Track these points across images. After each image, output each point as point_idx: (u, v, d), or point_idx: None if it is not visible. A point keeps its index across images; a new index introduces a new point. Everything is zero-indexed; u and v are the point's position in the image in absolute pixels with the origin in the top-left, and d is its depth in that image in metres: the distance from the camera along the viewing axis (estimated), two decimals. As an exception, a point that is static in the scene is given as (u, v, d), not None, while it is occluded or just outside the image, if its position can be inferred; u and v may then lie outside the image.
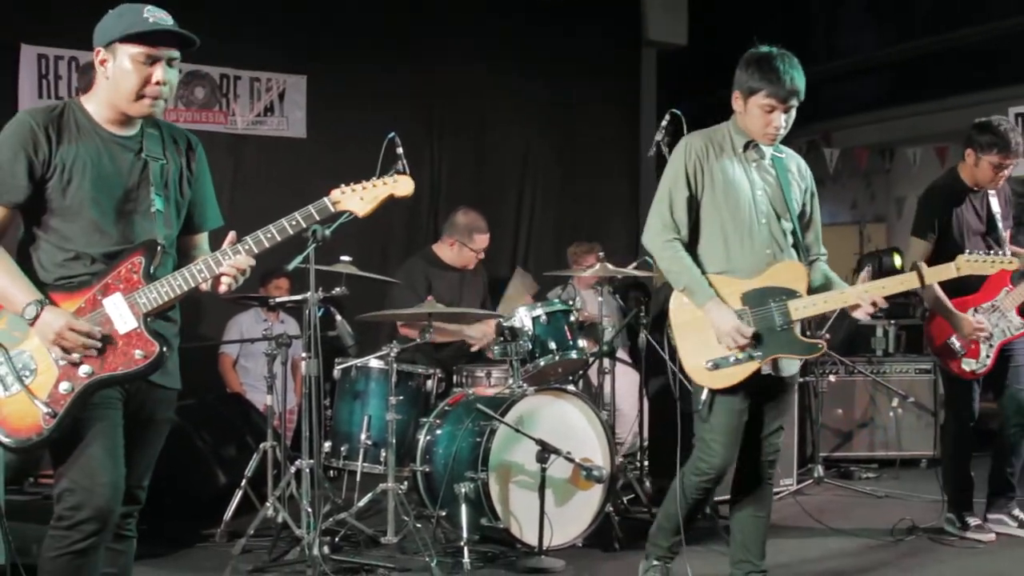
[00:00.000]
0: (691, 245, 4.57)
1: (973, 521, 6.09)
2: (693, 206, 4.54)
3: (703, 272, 4.50)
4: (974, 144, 5.89)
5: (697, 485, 4.67)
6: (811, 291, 4.52)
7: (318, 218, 3.64)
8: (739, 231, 4.51)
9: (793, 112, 4.48)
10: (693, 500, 4.73)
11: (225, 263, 3.49)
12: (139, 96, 3.48)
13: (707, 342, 4.42)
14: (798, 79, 4.42)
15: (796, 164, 4.74)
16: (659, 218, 4.56)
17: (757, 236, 4.52)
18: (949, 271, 4.73)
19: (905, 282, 4.59)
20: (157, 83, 3.48)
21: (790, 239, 4.61)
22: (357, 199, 3.69)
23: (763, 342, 4.41)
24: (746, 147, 4.59)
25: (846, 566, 5.65)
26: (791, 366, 4.64)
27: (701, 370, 4.45)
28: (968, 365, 5.92)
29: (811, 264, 4.65)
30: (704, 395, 4.49)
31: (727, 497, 6.70)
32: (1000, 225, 6.05)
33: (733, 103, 4.57)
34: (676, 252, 4.49)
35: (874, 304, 4.43)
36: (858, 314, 4.52)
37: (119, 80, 3.47)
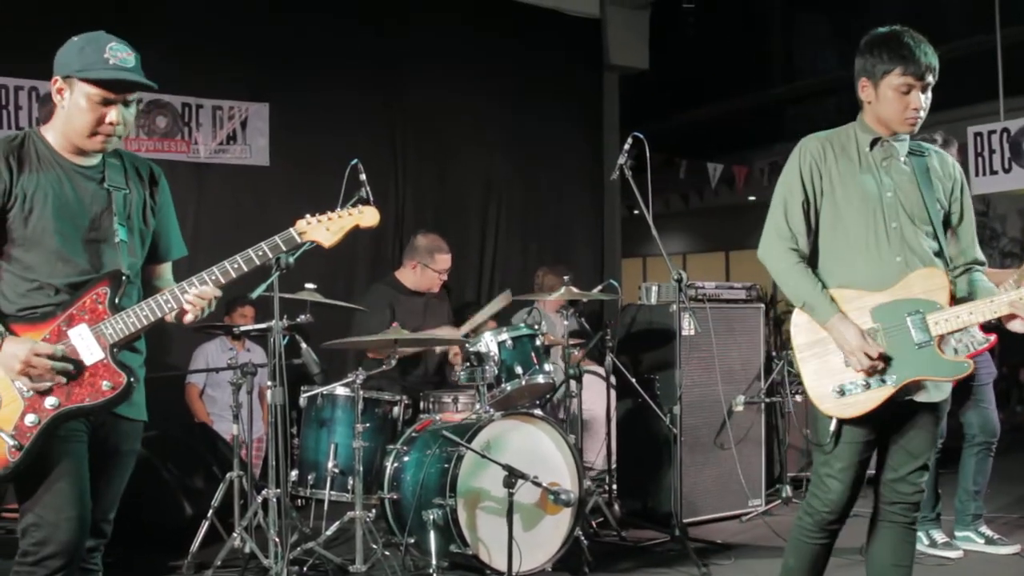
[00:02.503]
0: (812, 256, 4.09)
1: (941, 538, 6.13)
2: (812, 214, 4.08)
3: (824, 286, 3.99)
4: None
5: (812, 527, 4.10)
6: (957, 301, 3.95)
7: (284, 248, 3.63)
8: (865, 238, 3.99)
9: (930, 93, 4.01)
10: (809, 546, 4.14)
11: (191, 293, 3.47)
12: (92, 134, 3.47)
13: (832, 365, 3.92)
14: (931, 54, 3.96)
15: (939, 161, 4.17)
16: (774, 229, 4.10)
17: (886, 243, 3.98)
18: None
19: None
20: (111, 123, 3.47)
21: (929, 245, 4.03)
22: (323, 230, 3.68)
23: (898, 363, 3.85)
24: (872, 145, 4.08)
25: (815, 586, 5.65)
26: (935, 391, 3.97)
27: (827, 397, 3.90)
28: None
29: (965, 272, 4.11)
30: (832, 426, 3.93)
31: (700, 518, 6.79)
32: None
33: (860, 93, 4.08)
34: (794, 265, 4.02)
35: None
36: (1015, 326, 3.90)
37: (73, 115, 3.46)
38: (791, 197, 4.08)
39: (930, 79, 3.96)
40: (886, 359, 3.83)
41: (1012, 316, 3.86)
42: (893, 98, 3.96)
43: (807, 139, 4.15)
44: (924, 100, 3.98)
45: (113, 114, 3.45)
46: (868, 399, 3.86)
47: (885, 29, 4.04)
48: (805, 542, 4.12)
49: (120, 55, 3.46)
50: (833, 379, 3.89)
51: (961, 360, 3.92)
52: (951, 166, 4.19)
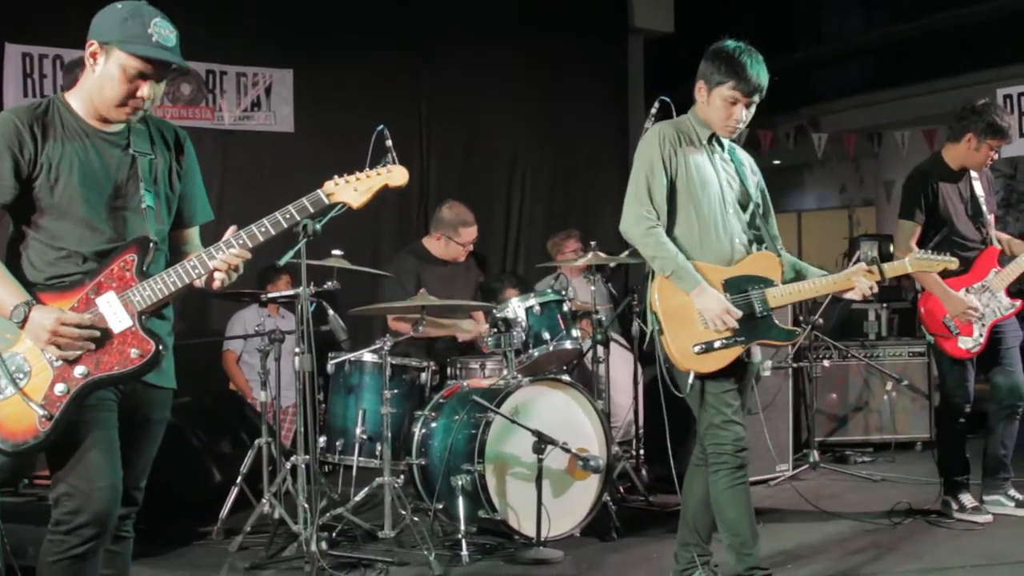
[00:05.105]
0: (667, 233, 4.54)
1: (970, 503, 6.10)
2: (669, 193, 4.53)
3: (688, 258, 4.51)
4: (974, 128, 5.96)
5: (734, 469, 4.46)
6: (783, 281, 4.61)
7: (312, 210, 3.58)
8: (711, 220, 4.54)
9: (753, 108, 4.54)
10: (740, 487, 4.49)
11: (218, 257, 3.46)
12: (121, 104, 3.45)
13: (693, 327, 4.43)
14: (763, 75, 4.48)
15: (748, 160, 4.79)
16: (638, 205, 4.53)
17: (726, 226, 4.57)
18: (903, 267, 4.83)
19: (868, 274, 4.57)
20: (142, 97, 3.45)
21: (753, 229, 4.70)
22: (351, 190, 3.64)
23: (745, 328, 4.45)
24: (710, 139, 4.63)
25: (845, 550, 5.64)
26: (757, 354, 4.69)
27: (688, 354, 4.43)
28: (964, 344, 5.94)
29: (779, 253, 4.70)
30: (691, 379, 4.45)
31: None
32: (984, 208, 6.11)
33: (696, 93, 4.60)
34: (660, 239, 4.46)
35: (871, 288, 4.55)
36: (852, 295, 4.61)
37: (104, 83, 3.43)
38: (653, 177, 4.53)
39: (756, 98, 4.52)
40: (739, 323, 4.42)
41: (845, 290, 4.60)
42: (720, 106, 4.52)
43: (662, 124, 4.67)
44: (746, 114, 4.54)
45: (146, 89, 3.44)
46: (723, 356, 4.45)
47: (732, 44, 4.52)
48: (733, 487, 4.48)
49: (164, 32, 3.44)
50: (692, 339, 4.43)
51: (793, 328, 4.80)
52: (754, 164, 4.83)
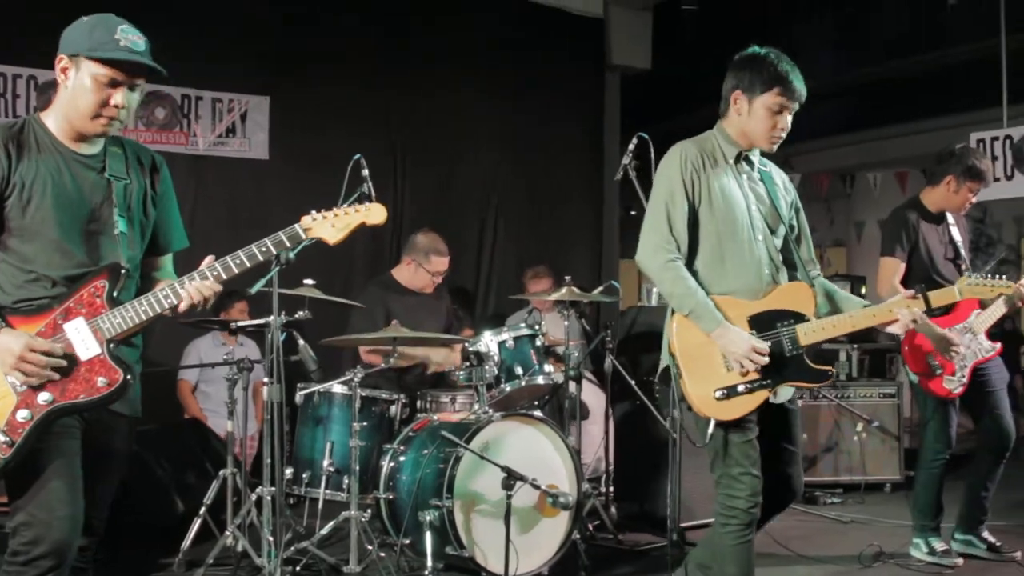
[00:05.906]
0: (688, 263, 4.19)
1: (940, 546, 6.08)
2: (691, 220, 4.18)
3: (707, 294, 4.14)
4: (954, 172, 6.02)
5: (742, 527, 4.13)
6: (816, 313, 4.24)
7: (288, 244, 3.56)
8: (738, 249, 4.19)
9: (790, 118, 4.24)
10: (745, 546, 4.16)
11: (188, 287, 3.40)
12: (95, 116, 3.40)
13: (715, 370, 4.09)
14: (802, 81, 4.20)
15: (780, 178, 4.46)
16: (656, 235, 4.17)
17: (755, 254, 4.21)
18: (952, 295, 4.58)
19: (913, 300, 4.25)
20: (115, 106, 3.40)
21: (785, 256, 4.36)
22: (328, 226, 3.62)
23: (773, 369, 4.07)
24: (737, 158, 4.29)
25: (815, 593, 5.61)
26: (786, 393, 4.23)
27: (709, 400, 4.09)
28: (949, 384, 5.91)
29: (812, 282, 4.34)
30: (711, 428, 4.11)
31: (699, 522, 6.72)
32: (963, 252, 6.13)
33: (730, 106, 4.27)
34: (679, 274, 4.11)
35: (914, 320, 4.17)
36: (894, 329, 4.23)
37: (77, 96, 3.39)
38: (673, 203, 4.18)
39: (797, 105, 4.21)
40: (765, 364, 4.05)
41: (886, 323, 4.22)
42: (764, 116, 4.19)
43: (685, 144, 4.28)
44: (789, 123, 4.23)
45: (118, 97, 3.39)
46: (747, 402, 4.09)
47: (764, 50, 4.22)
48: (739, 544, 4.16)
49: (131, 38, 3.41)
50: (714, 383, 4.09)
51: (825, 368, 4.20)
52: (788, 183, 4.51)
